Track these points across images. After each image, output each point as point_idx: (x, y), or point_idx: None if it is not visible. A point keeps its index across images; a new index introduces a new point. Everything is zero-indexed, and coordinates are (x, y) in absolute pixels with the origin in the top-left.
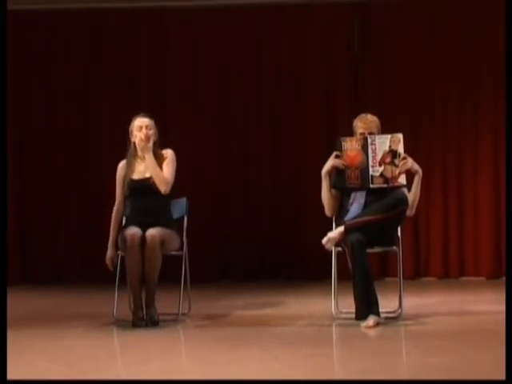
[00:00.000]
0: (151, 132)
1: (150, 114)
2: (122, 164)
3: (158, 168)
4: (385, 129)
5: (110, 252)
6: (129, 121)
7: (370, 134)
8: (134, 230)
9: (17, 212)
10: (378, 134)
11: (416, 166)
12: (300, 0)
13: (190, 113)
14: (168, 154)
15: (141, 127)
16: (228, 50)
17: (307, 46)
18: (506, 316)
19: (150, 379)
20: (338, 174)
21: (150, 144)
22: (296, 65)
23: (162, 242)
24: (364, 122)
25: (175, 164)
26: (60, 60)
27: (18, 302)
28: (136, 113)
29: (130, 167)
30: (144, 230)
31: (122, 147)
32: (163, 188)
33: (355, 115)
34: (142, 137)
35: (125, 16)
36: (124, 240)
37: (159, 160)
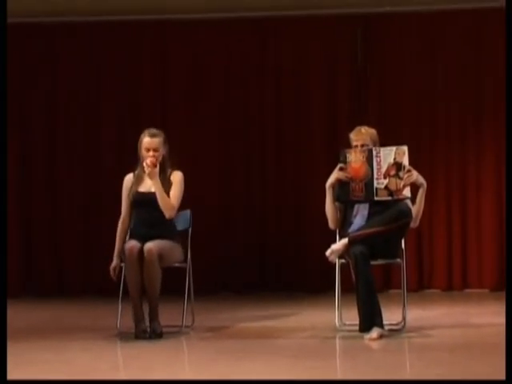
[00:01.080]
0: (158, 154)
1: (160, 129)
2: (128, 177)
3: (164, 194)
4: (388, 138)
5: (114, 262)
6: (131, 127)
7: (363, 145)
8: (132, 244)
9: (18, 223)
10: (374, 145)
11: (421, 179)
12: (303, 11)
13: (192, 122)
14: (177, 176)
15: (148, 149)
16: (230, 59)
17: (310, 55)
18: (506, 326)
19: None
20: (341, 186)
21: (157, 167)
22: (299, 75)
23: (161, 256)
24: (356, 135)
25: (183, 187)
26: (62, 69)
27: (19, 314)
28: (138, 124)
29: (137, 179)
30: (145, 242)
31: (125, 158)
32: (168, 213)
33: (358, 125)
34: (148, 163)
35: (127, 28)
36: (124, 253)
37: (167, 180)
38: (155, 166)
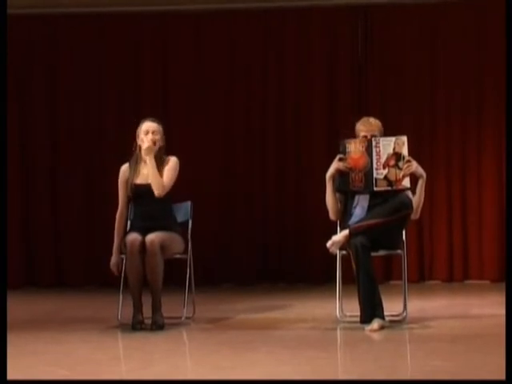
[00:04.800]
0: (157, 137)
1: (158, 119)
2: (124, 168)
3: (156, 171)
4: (388, 129)
5: (114, 258)
6: (132, 122)
7: (372, 136)
8: (133, 236)
9: (19, 214)
10: (381, 136)
11: (420, 170)
12: (304, 2)
13: (194, 115)
14: (171, 160)
15: (147, 131)
16: (232, 52)
17: (311, 46)
18: (506, 317)
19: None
20: (341, 176)
21: (156, 147)
22: (300, 65)
23: (163, 247)
24: (366, 126)
25: (177, 171)
26: (62, 63)
27: (20, 306)
28: (139, 114)
29: (134, 171)
30: (146, 235)
31: (126, 149)
32: (157, 191)
33: (358, 118)
34: (149, 139)
35: (128, 19)
36: (126, 245)
37: (162, 165)
38: (154, 144)
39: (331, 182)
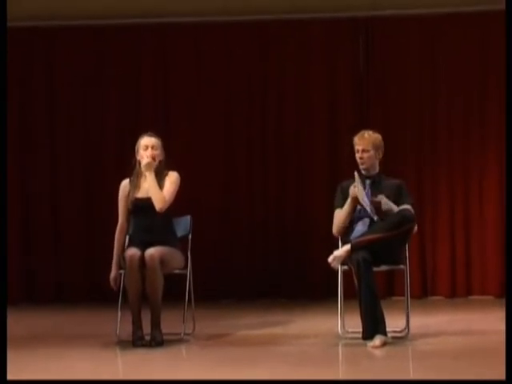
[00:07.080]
0: (157, 152)
1: (156, 133)
2: (124, 182)
3: (157, 186)
4: (390, 142)
5: (113, 272)
6: (133, 135)
7: (364, 150)
8: (133, 251)
9: (18, 231)
10: (376, 151)
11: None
12: (304, 15)
13: (194, 129)
14: (172, 175)
15: (147, 146)
16: (232, 65)
17: (312, 59)
18: (506, 328)
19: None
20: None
21: (155, 162)
22: (301, 78)
23: (162, 262)
24: (359, 139)
25: (177, 186)
26: (61, 76)
27: (19, 322)
28: (139, 127)
29: (135, 185)
30: (145, 249)
31: (126, 163)
32: (159, 206)
33: (360, 129)
34: (148, 155)
35: (127, 32)
36: (125, 260)
37: (163, 180)
38: (154, 159)
39: (354, 202)
